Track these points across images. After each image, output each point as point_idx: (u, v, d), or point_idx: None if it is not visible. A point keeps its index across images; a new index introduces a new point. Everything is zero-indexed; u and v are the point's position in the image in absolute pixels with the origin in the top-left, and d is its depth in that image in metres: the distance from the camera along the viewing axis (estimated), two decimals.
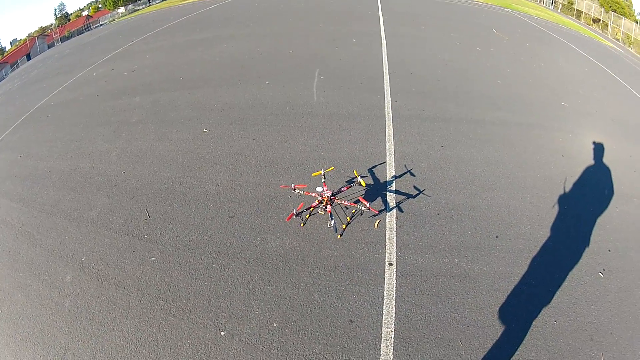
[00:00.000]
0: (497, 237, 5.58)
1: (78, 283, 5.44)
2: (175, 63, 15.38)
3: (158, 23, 31.46)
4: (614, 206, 6.74)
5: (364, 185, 5.87)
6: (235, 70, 12.47)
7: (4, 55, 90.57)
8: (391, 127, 8.11)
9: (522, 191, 6.57)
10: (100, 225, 6.39)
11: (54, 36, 69.07)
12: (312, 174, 6.24)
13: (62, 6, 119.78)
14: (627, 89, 14.63)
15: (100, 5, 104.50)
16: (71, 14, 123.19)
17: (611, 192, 7.09)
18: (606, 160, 8.11)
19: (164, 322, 4.62)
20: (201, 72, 13.10)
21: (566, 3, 55.88)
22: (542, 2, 62.13)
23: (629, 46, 36.81)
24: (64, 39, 66.04)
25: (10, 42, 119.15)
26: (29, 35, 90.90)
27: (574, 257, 5.52)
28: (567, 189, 6.84)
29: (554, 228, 5.90)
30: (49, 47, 65.53)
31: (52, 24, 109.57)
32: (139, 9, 72.34)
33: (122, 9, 75.85)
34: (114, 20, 66.63)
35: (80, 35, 61.11)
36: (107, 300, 5.04)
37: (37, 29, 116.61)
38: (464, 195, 6.28)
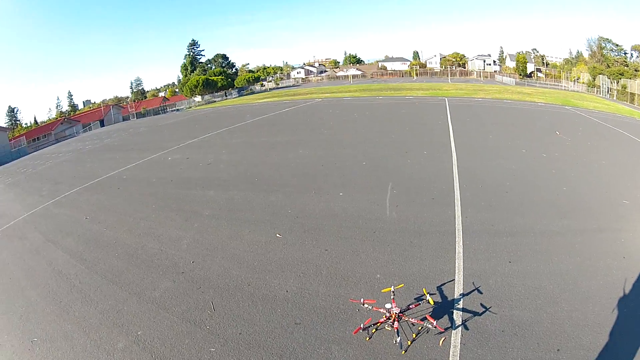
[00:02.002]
0: (558, 350, 5.70)
1: (129, 353, 6.12)
2: (251, 163, 17.36)
3: (235, 119, 35.37)
4: None
5: (432, 303, 6.32)
6: (310, 178, 13.93)
7: (76, 112, 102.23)
8: (461, 243, 8.67)
9: (585, 301, 6.74)
10: (162, 306, 7.20)
11: (129, 109, 77.95)
12: (382, 290, 6.77)
13: (138, 81, 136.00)
14: None
15: (177, 90, 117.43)
16: (147, 91, 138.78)
17: None
18: None
19: None
20: (276, 175, 14.70)
21: (620, 88, 57.43)
22: (598, 92, 63.64)
23: None
24: (139, 114, 74.70)
25: (84, 102, 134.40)
26: (103, 102, 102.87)
27: None
28: (627, 291, 6.97)
29: (613, 334, 5.98)
30: (123, 119, 74.55)
31: (128, 97, 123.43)
32: (215, 101, 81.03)
33: (198, 98, 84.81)
34: (190, 107, 74.87)
35: (156, 116, 69.24)
36: None
37: (112, 97, 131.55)
38: (529, 310, 6.54)
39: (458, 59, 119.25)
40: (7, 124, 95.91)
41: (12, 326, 7.41)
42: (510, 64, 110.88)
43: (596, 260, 7.96)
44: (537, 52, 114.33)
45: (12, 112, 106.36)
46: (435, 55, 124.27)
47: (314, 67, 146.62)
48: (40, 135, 62.95)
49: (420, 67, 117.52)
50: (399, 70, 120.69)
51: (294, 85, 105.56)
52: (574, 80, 78.52)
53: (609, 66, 70.91)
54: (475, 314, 6.39)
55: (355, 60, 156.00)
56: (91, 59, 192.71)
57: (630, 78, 57.28)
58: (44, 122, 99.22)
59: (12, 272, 9.96)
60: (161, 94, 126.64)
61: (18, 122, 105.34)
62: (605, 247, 8.53)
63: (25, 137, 58.52)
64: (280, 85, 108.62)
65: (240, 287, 7.51)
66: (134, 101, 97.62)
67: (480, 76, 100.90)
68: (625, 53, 77.28)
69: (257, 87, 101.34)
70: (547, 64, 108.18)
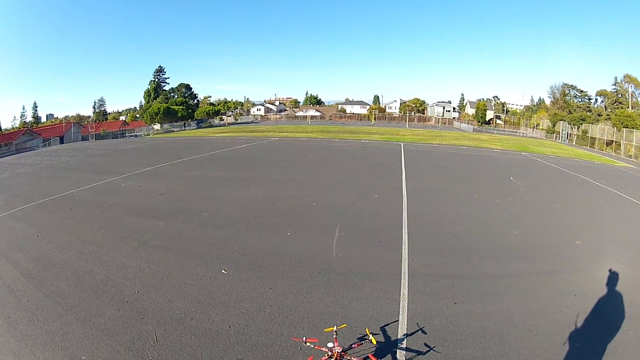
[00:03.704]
0: None
1: None
2: (203, 196, 17.21)
3: (191, 151, 35.16)
4: (626, 328, 7.13)
5: (374, 342, 6.21)
6: (260, 216, 13.94)
7: (39, 125, 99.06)
8: (406, 285, 8.73)
9: (533, 338, 6.83)
10: (106, 333, 6.97)
11: (89, 130, 75.85)
12: (325, 330, 6.73)
13: (102, 102, 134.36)
14: None
15: (137, 115, 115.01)
16: (109, 113, 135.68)
17: (622, 317, 7.53)
18: (620, 287, 8.78)
19: None
20: (227, 211, 14.67)
21: (580, 134, 61.54)
22: (557, 138, 67.53)
23: None
24: (98, 136, 72.98)
25: (47, 116, 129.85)
26: (65, 118, 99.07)
27: None
28: (579, 326, 7.20)
29: None
30: (82, 139, 72.80)
31: (90, 117, 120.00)
32: (173, 131, 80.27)
33: (157, 126, 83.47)
34: (148, 135, 73.80)
35: (114, 139, 67.83)
36: None
37: (74, 114, 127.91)
38: (474, 349, 6.56)
39: (418, 105, 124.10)
40: None
41: None
42: (470, 111, 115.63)
43: (545, 300, 8.21)
44: (498, 99, 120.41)
45: None
46: (395, 100, 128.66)
47: (274, 105, 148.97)
48: (2, 143, 60.49)
49: (379, 112, 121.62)
50: (358, 114, 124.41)
51: (252, 122, 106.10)
52: (533, 127, 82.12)
53: (571, 112, 74.43)
54: (419, 353, 6.42)
55: (316, 101, 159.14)
56: (61, 73, 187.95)
57: (592, 123, 61.33)
58: (8, 130, 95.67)
59: None
60: (122, 118, 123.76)
61: None
62: (555, 287, 8.84)
63: None
64: (239, 121, 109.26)
65: (184, 320, 7.39)
66: (95, 122, 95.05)
67: (438, 122, 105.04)
68: (589, 99, 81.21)
69: (217, 120, 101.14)
70: (507, 111, 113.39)
